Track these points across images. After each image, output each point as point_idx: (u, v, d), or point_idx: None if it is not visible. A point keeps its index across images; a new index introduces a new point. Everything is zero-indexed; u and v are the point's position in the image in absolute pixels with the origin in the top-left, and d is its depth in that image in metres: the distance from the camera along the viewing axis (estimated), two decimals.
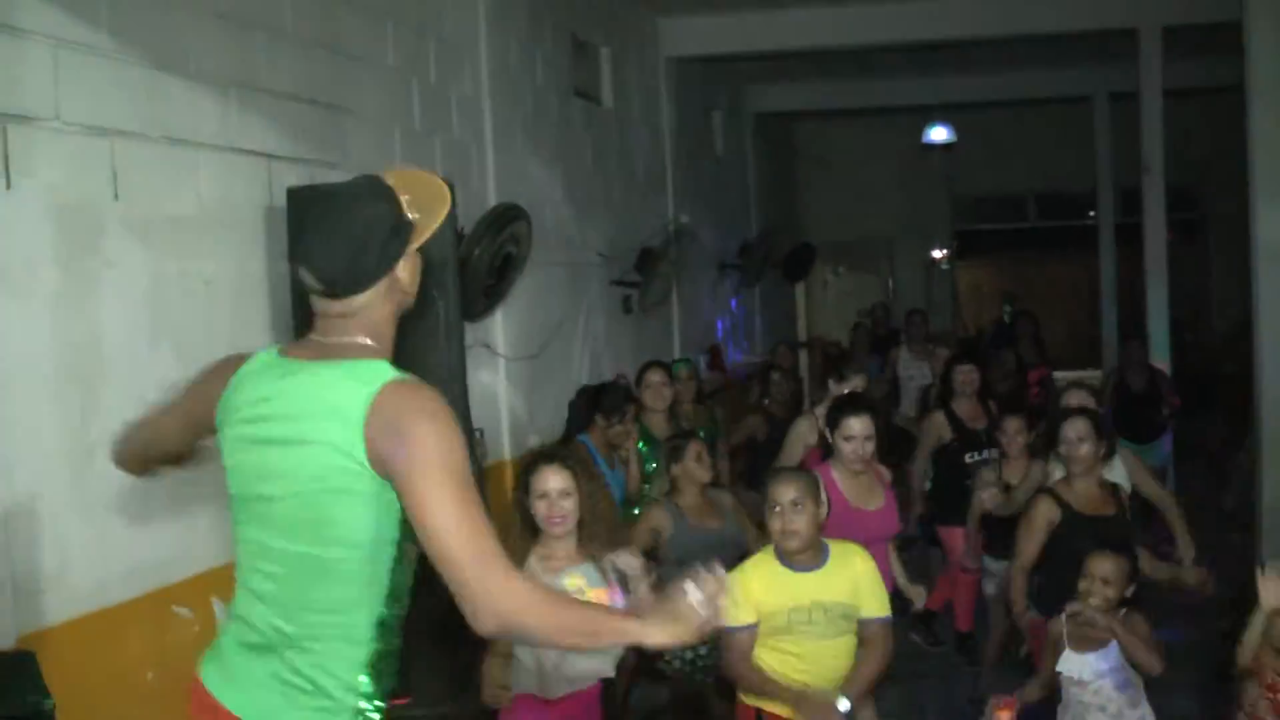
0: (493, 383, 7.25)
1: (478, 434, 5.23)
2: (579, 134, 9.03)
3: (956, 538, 7.29)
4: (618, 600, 4.13)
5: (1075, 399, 6.38)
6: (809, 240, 16.16)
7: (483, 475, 5.77)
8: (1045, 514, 5.40)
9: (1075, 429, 5.46)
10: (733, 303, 13.96)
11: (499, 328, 7.31)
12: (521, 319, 7.55)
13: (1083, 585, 4.80)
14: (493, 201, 6.97)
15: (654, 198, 10.92)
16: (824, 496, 4.64)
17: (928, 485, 8.10)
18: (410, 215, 2.79)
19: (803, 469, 4.91)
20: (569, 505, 4.46)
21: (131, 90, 4.45)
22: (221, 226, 4.87)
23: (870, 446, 5.31)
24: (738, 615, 4.31)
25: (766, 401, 9.11)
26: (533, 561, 4.47)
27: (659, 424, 7.03)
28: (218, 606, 4.65)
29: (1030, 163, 18.11)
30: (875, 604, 4.53)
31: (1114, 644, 4.73)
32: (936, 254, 19.71)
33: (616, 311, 9.44)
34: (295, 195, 4.92)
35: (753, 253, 13.73)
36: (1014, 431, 6.87)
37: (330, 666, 2.74)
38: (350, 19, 5.99)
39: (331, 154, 5.62)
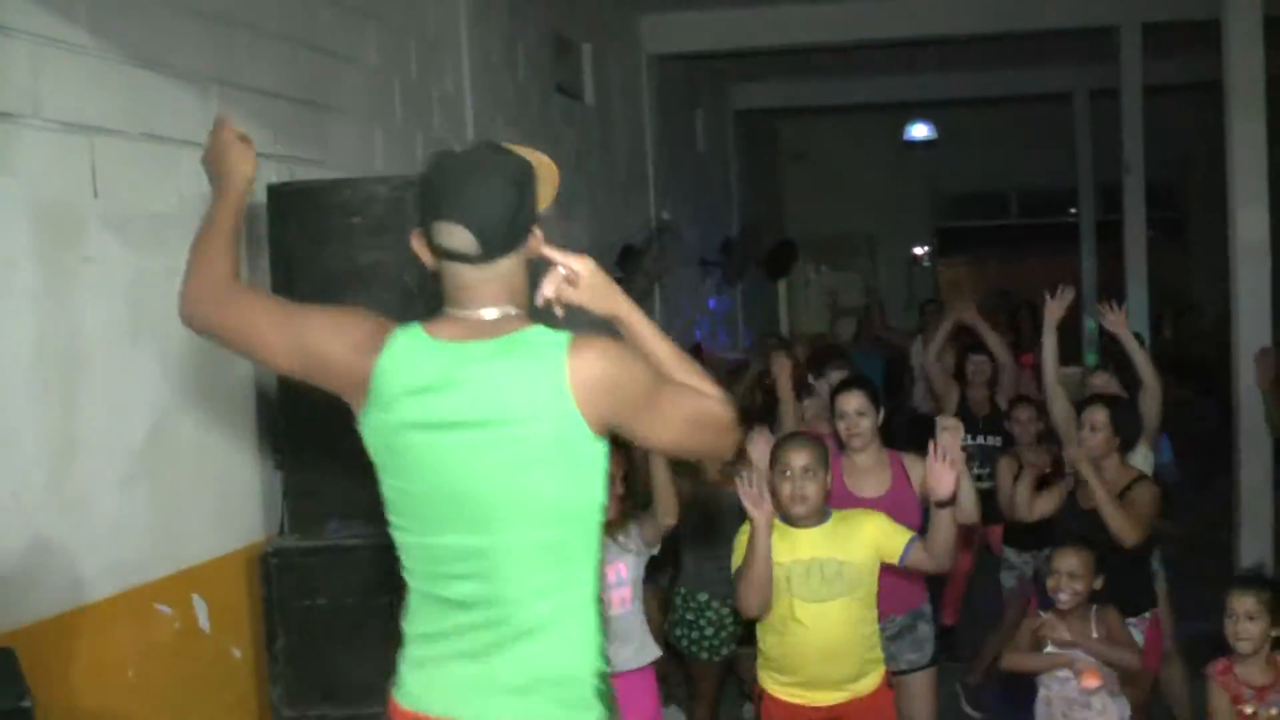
0: None
1: None
2: (561, 131, 9.04)
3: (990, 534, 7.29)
4: None
5: (1100, 380, 6.37)
6: (790, 238, 16.21)
7: None
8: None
9: (1096, 415, 5.46)
10: (711, 302, 13.98)
11: None
12: None
13: (1050, 582, 4.83)
14: None
15: (636, 195, 10.94)
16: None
17: None
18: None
19: (814, 437, 4.86)
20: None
21: (111, 87, 4.43)
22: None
23: (865, 423, 5.17)
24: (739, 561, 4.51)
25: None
26: None
27: None
28: (199, 604, 4.66)
29: (1012, 160, 18.17)
30: (898, 539, 4.47)
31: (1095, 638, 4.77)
32: (918, 251, 19.76)
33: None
34: (276, 192, 4.92)
35: (735, 250, 13.75)
36: (1026, 420, 6.92)
37: (571, 652, 2.67)
38: (331, 16, 5.98)
39: (312, 151, 5.62)
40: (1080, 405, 5.69)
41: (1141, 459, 5.83)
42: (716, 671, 5.87)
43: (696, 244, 13.05)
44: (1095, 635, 4.77)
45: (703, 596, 5.74)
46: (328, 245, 4.79)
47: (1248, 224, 6.78)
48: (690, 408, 2.66)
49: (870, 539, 4.46)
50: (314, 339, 2.68)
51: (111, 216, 4.39)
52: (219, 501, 4.87)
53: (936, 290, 19.67)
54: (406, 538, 2.72)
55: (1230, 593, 4.50)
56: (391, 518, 2.74)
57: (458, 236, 2.59)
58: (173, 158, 4.70)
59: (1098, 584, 4.83)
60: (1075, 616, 4.81)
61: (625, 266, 9.71)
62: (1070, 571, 4.77)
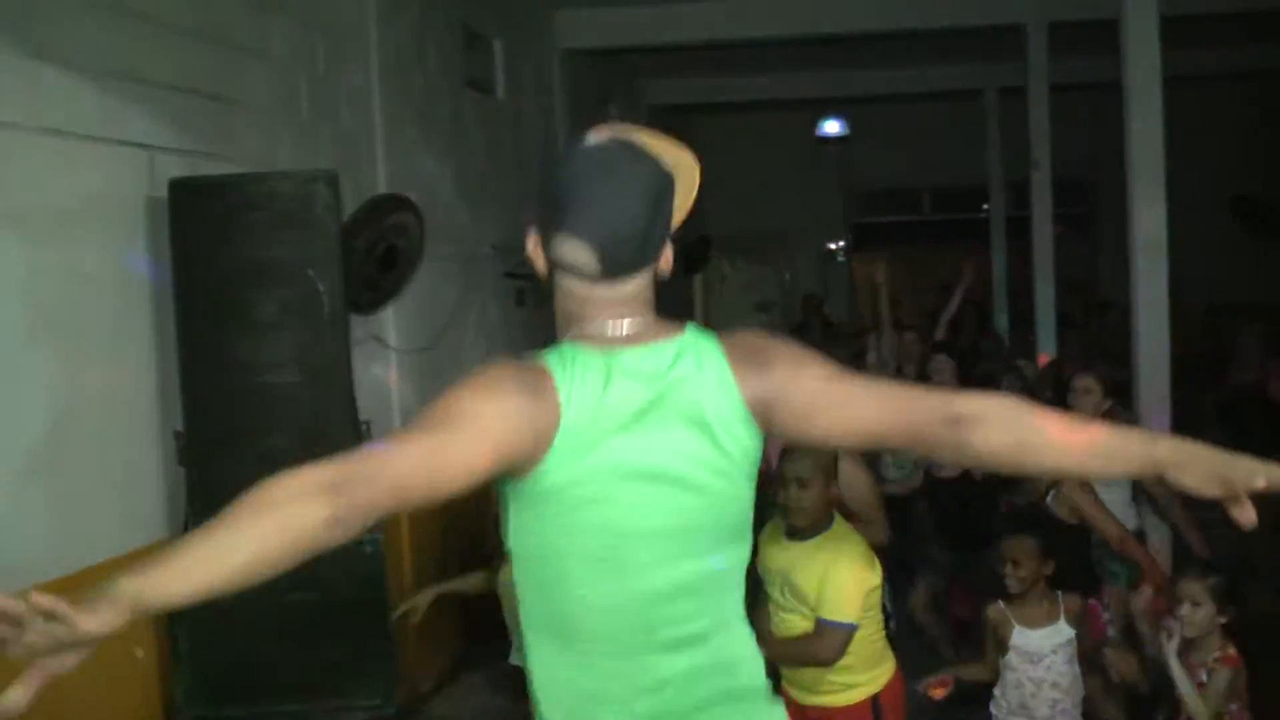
0: (384, 375, 7.21)
1: (364, 426, 5.21)
2: (471, 126, 9.00)
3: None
4: None
5: (1084, 382, 6.44)
6: (706, 233, 16.28)
7: None
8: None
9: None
10: None
11: (390, 321, 7.27)
12: (414, 311, 7.52)
13: (1005, 570, 4.95)
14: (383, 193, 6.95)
15: None
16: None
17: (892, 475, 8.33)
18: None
19: (817, 449, 4.89)
20: None
21: (6, 80, 4.37)
22: (102, 219, 4.81)
23: None
24: None
25: None
26: None
27: None
28: None
29: (924, 156, 18.34)
30: (828, 610, 4.39)
31: (1062, 620, 4.90)
32: (832, 246, 19.92)
33: (510, 304, 9.43)
34: (178, 186, 4.88)
35: None
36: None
37: (753, 665, 2.45)
38: (234, 9, 5.92)
39: (216, 145, 5.55)
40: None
41: None
42: None
43: None
44: (1066, 621, 4.91)
45: None
46: (230, 240, 4.77)
47: (1147, 221, 6.89)
48: (874, 411, 2.31)
49: (822, 575, 4.40)
50: (492, 422, 2.16)
51: (8, 212, 4.33)
52: (121, 500, 4.82)
53: (851, 284, 19.87)
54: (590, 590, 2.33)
55: (1177, 577, 4.62)
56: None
57: (579, 254, 2.31)
58: (72, 153, 4.64)
59: (1048, 569, 4.95)
60: (1033, 603, 4.94)
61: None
62: (1014, 558, 4.90)
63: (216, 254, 4.77)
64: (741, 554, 2.43)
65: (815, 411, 2.32)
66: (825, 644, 4.33)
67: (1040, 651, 4.89)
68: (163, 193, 4.91)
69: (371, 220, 6.15)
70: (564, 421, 2.20)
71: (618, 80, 14.07)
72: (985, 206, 16.23)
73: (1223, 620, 4.51)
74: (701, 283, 18.94)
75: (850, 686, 4.48)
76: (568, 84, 11.58)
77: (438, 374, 7.74)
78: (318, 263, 4.83)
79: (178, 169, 5.13)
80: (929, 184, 19.72)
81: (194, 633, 4.67)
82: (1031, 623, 4.92)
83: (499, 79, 9.80)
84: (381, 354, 7.16)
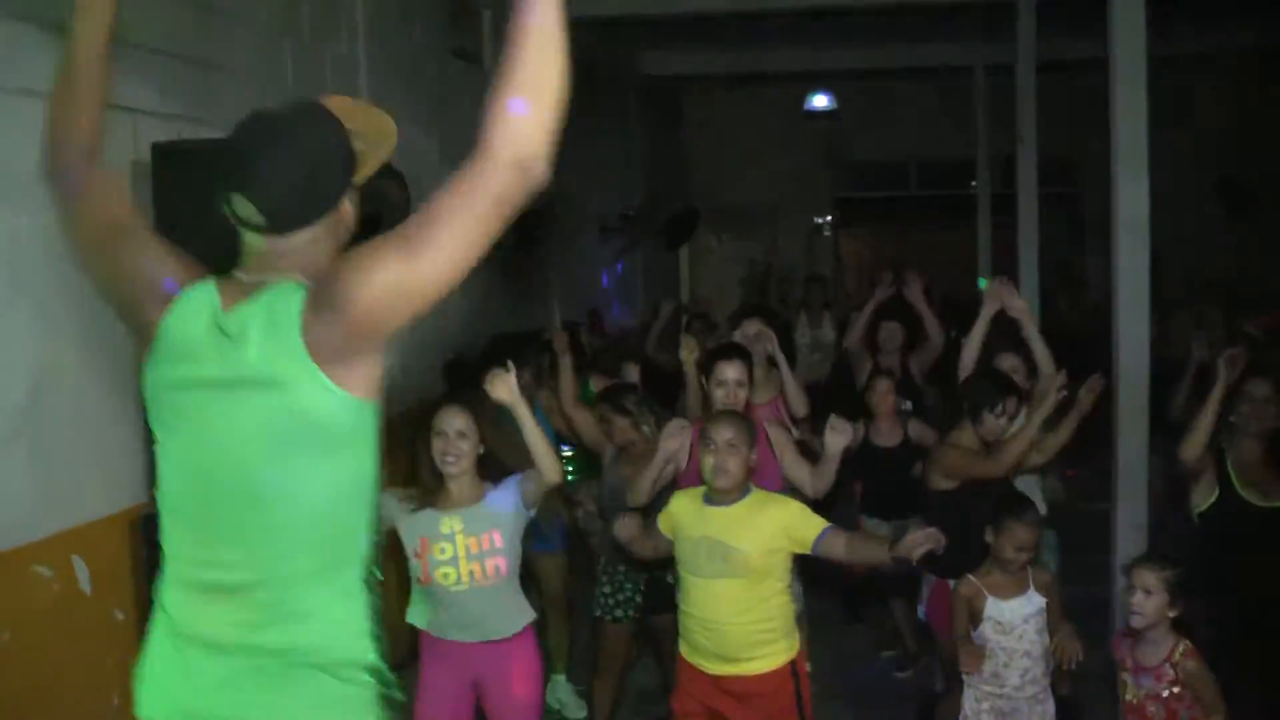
0: None
1: None
2: (458, 96, 8.99)
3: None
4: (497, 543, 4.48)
5: (1008, 363, 6.47)
6: (693, 206, 16.28)
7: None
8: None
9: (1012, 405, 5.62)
10: (619, 267, 14.02)
11: None
12: None
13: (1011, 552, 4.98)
14: None
15: None
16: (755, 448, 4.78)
17: None
18: (357, 146, 2.57)
19: (743, 415, 4.99)
20: (465, 446, 4.66)
21: None
22: None
23: (742, 394, 5.40)
24: (661, 523, 4.81)
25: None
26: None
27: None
28: (80, 566, 4.62)
29: (912, 132, 18.39)
30: (813, 527, 4.58)
31: (1032, 590, 4.98)
32: (819, 220, 19.94)
33: (495, 273, 9.43)
34: (161, 151, 4.87)
35: (636, 217, 13.80)
36: (884, 391, 7.07)
37: (333, 641, 2.52)
38: None
39: (200, 110, 5.54)
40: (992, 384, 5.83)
41: None
42: (626, 635, 5.97)
43: (597, 211, 13.06)
44: (1035, 591, 5.00)
45: (623, 566, 5.87)
46: (211, 205, 4.75)
47: (1130, 199, 6.91)
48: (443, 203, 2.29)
49: (779, 527, 4.58)
50: (144, 257, 2.59)
51: None
52: (100, 464, 4.82)
53: (837, 259, 19.90)
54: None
55: (1133, 567, 4.68)
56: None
57: (244, 209, 2.49)
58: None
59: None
60: (1005, 575, 5.03)
61: (521, 232, 9.71)
62: (1025, 543, 4.97)
63: (198, 218, 4.75)
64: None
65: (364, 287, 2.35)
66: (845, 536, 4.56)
67: (1012, 622, 4.95)
68: (145, 157, 4.90)
69: None
70: (158, 333, 2.51)
71: (608, 52, 14.03)
72: (972, 183, 16.26)
73: (1172, 614, 4.56)
74: (687, 255, 18.95)
75: (772, 653, 4.62)
76: None
77: (420, 342, 7.75)
78: None
79: (161, 134, 5.11)
80: (915, 159, 19.74)
81: None
82: (1004, 594, 4.97)
83: (487, 49, 9.77)
84: None
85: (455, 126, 8.81)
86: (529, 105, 2.18)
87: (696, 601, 4.62)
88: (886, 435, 7.13)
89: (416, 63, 8.18)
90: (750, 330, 6.45)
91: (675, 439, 5.21)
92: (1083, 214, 18.52)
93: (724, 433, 4.60)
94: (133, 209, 2.67)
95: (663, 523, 4.80)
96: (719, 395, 5.37)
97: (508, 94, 2.19)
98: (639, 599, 5.93)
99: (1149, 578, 4.55)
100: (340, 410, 2.41)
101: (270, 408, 2.41)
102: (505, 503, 4.70)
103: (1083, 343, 11.47)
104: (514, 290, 9.76)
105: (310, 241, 2.53)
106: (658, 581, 5.81)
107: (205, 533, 2.53)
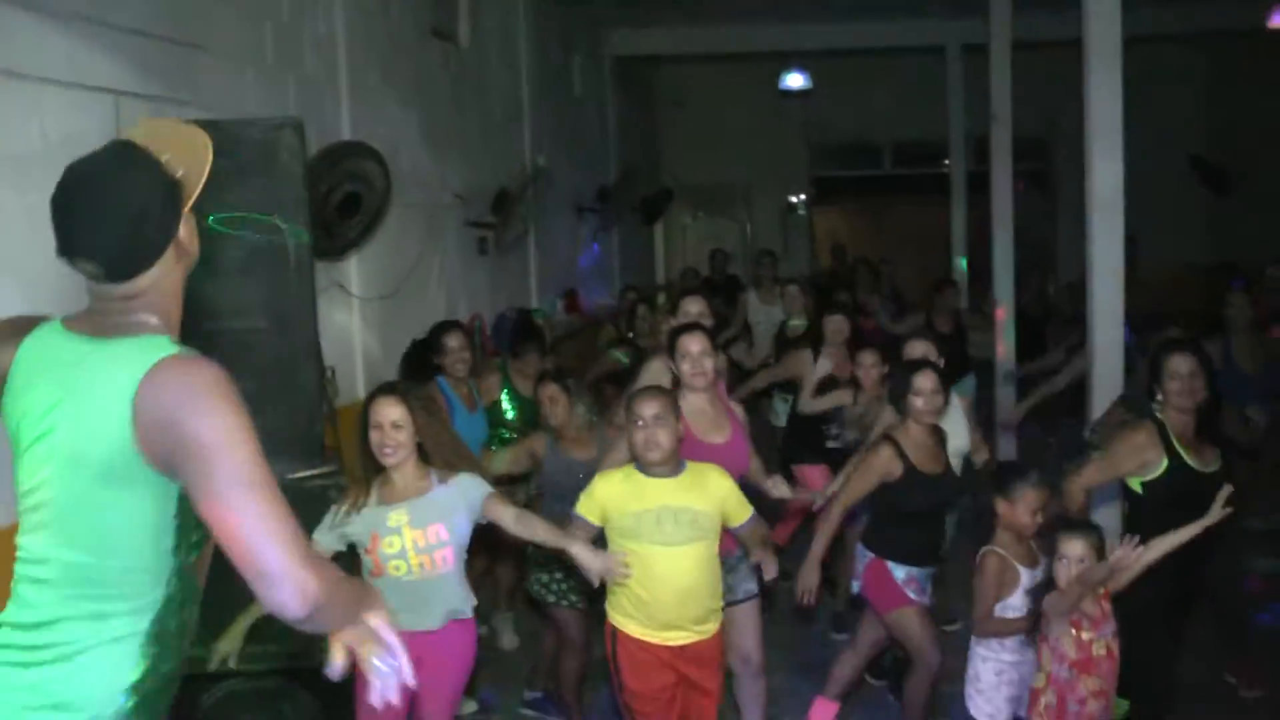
0: (347, 323, 7.25)
1: (329, 373, 5.25)
2: (436, 74, 9.00)
3: (811, 476, 7.47)
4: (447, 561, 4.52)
5: (919, 349, 6.54)
6: (668, 184, 16.33)
7: (335, 415, 5.79)
8: (886, 464, 5.58)
9: (930, 380, 5.65)
10: (595, 246, 14.05)
11: (353, 268, 7.30)
12: (376, 259, 7.55)
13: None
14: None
15: (511, 139, 10.94)
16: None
17: (783, 421, 8.47)
18: (176, 173, 2.60)
19: (663, 388, 5.05)
20: (402, 436, 4.61)
21: None
22: (67, 163, 4.80)
23: (708, 364, 5.42)
24: (583, 509, 4.78)
25: (631, 335, 9.41)
26: (374, 490, 4.65)
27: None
28: None
29: (887, 111, 18.44)
30: (742, 512, 4.84)
31: (1040, 557, 5.03)
32: (793, 199, 19.99)
33: (472, 253, 9.46)
34: None
35: (612, 195, 13.82)
36: (870, 364, 7.08)
37: (89, 682, 2.54)
38: None
39: (181, 90, 5.55)
40: (909, 369, 5.86)
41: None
42: (579, 620, 6.02)
43: (572, 190, 13.09)
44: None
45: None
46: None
47: (1103, 177, 6.98)
48: (247, 526, 2.38)
49: (720, 497, 4.76)
50: None
51: None
52: None
53: (812, 238, 19.97)
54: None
55: (1060, 537, 4.76)
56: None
57: (85, 267, 2.56)
58: (37, 96, 4.64)
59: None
60: (1024, 544, 5.11)
61: (499, 211, 9.74)
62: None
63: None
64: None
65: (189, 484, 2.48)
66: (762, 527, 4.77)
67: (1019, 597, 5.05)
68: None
69: (331, 166, 6.16)
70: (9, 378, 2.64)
71: (582, 31, 14.05)
72: (946, 162, 16.33)
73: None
74: (663, 233, 19.00)
75: (718, 616, 4.85)
76: (532, 33, 11.57)
77: (399, 321, 7.78)
78: (284, 209, 4.85)
79: (143, 114, 5.12)
80: (890, 138, 19.80)
81: None
82: (1028, 563, 5.06)
83: (464, 28, 9.78)
84: (344, 301, 7.19)
85: (433, 105, 8.83)
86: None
87: (665, 573, 4.64)
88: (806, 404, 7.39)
89: (395, 41, 8.18)
90: (693, 309, 6.45)
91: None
92: (1057, 193, 18.66)
93: (650, 408, 4.69)
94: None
95: (585, 507, 4.79)
96: (685, 369, 5.40)
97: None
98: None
99: (1079, 546, 4.68)
100: (135, 470, 2.50)
101: (87, 433, 2.51)
102: (454, 503, 4.66)
103: (1053, 322, 11.65)
104: (492, 270, 9.79)
105: (154, 281, 2.61)
106: None
107: None
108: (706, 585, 4.72)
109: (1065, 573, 4.67)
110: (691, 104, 18.92)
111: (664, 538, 4.63)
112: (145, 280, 2.59)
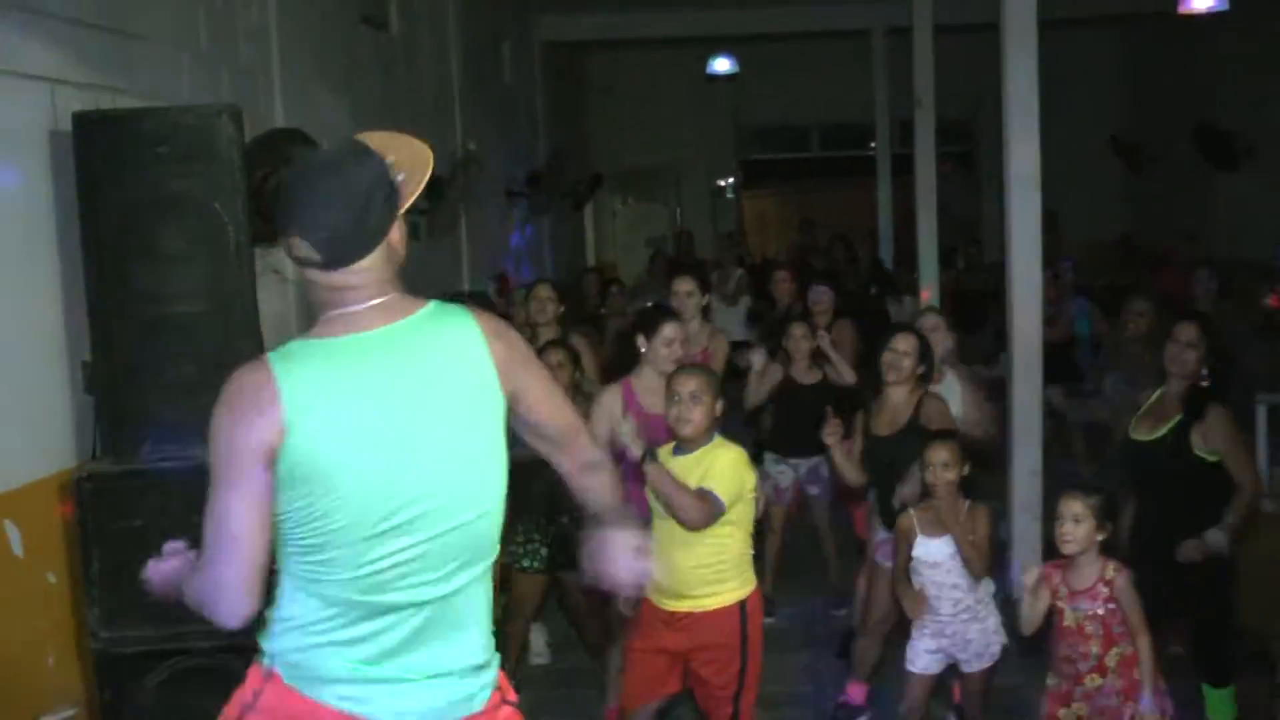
0: (284, 309, 7.30)
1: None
2: (367, 62, 9.05)
3: None
4: None
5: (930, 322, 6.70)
6: (596, 170, 16.41)
7: None
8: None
9: (901, 341, 5.85)
10: (529, 229, 14.13)
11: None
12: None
13: (927, 476, 5.26)
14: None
15: (441, 126, 10.99)
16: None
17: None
18: (398, 176, 2.77)
19: (704, 366, 5.24)
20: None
21: None
22: (3, 152, 4.85)
23: (682, 351, 5.70)
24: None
25: (603, 310, 9.65)
26: None
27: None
28: (11, 530, 4.69)
29: (814, 95, 18.62)
30: (716, 485, 4.76)
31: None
32: (722, 183, 20.15)
33: (406, 236, 9.49)
34: (82, 120, 4.93)
35: (542, 180, 13.91)
36: (799, 336, 7.32)
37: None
38: None
39: (117, 79, 5.58)
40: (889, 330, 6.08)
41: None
42: (538, 584, 6.20)
43: (503, 175, 13.16)
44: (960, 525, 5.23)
45: (533, 520, 6.19)
46: (134, 174, 4.83)
47: (1020, 158, 7.18)
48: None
49: (729, 466, 4.78)
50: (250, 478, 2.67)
51: None
52: (29, 427, 4.89)
53: (740, 221, 20.14)
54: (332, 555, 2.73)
55: (1060, 497, 4.90)
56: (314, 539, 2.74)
57: (303, 249, 2.68)
58: None
59: (965, 471, 5.29)
60: (948, 507, 5.26)
61: (430, 197, 9.80)
62: (943, 462, 5.20)
63: (121, 187, 4.83)
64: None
65: (534, 403, 2.95)
66: (696, 506, 4.67)
67: (939, 558, 5.21)
68: (66, 126, 4.95)
69: (266, 153, 6.22)
70: (287, 417, 2.62)
71: (511, 17, 14.11)
72: (873, 145, 16.54)
73: (1100, 537, 4.81)
74: (592, 219, 19.10)
75: (723, 591, 4.82)
76: (461, 20, 11.63)
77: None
78: (222, 196, 4.91)
79: (79, 103, 5.15)
80: (817, 122, 19.99)
81: (106, 557, 4.76)
82: (933, 531, 5.23)
83: (393, 15, 9.84)
84: (280, 287, 7.24)
85: (364, 92, 8.89)
86: None
87: (664, 544, 4.75)
88: (805, 374, 7.41)
89: (325, 30, 8.23)
90: (683, 288, 6.96)
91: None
92: (979, 173, 18.95)
93: (688, 384, 4.82)
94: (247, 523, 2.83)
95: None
96: (664, 353, 5.63)
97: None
98: (545, 552, 6.16)
99: (1076, 506, 4.79)
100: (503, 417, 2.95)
101: (475, 407, 2.88)
102: None
103: (980, 299, 11.89)
104: (424, 249, 9.85)
105: (371, 269, 2.74)
106: (565, 538, 6.00)
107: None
108: (689, 558, 4.77)
109: (1071, 531, 4.76)
110: (620, 89, 19.02)
111: (659, 510, 4.82)
112: (362, 268, 2.72)
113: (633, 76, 18.84)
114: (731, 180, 20.25)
